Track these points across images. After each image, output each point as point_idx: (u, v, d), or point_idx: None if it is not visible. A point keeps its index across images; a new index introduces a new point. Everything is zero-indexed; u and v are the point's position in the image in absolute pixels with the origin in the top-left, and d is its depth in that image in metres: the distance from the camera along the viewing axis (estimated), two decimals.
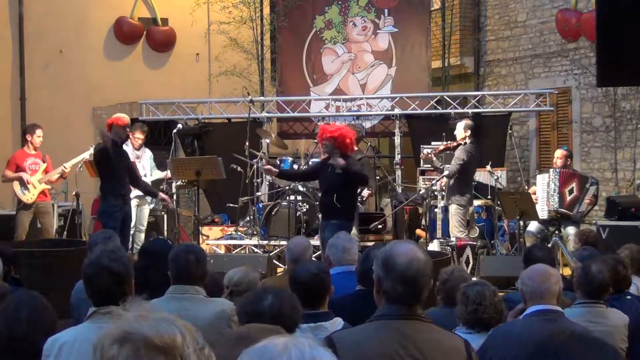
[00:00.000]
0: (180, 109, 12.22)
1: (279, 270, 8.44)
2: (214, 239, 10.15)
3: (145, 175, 9.89)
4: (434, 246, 8.59)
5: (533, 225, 9.03)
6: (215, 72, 13.45)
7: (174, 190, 9.57)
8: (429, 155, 9.30)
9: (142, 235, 9.92)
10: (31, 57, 13.03)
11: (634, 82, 8.81)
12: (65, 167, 9.44)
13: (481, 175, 10.24)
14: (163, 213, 10.34)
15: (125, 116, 8.51)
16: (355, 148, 8.68)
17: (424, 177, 10.69)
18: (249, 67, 13.35)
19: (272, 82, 13.73)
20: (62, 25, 13.14)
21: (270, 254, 8.94)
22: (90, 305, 3.17)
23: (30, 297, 3.06)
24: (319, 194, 8.32)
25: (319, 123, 10.90)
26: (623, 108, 11.59)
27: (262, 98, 12.49)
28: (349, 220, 7.70)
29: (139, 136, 10.03)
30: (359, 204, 9.32)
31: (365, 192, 9.76)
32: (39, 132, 9.55)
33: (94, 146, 8.92)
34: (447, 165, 9.07)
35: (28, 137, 9.61)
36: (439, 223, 9.22)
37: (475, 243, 8.78)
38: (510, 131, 11.06)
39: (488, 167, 9.49)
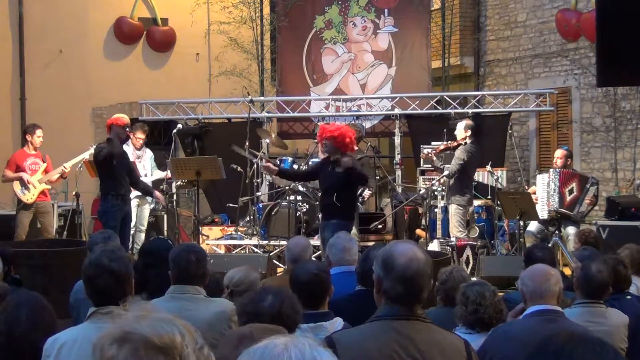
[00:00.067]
0: (180, 109, 12.22)
1: (279, 270, 8.43)
2: (214, 239, 10.14)
3: (145, 175, 9.90)
4: (434, 246, 8.59)
5: (533, 225, 9.03)
6: (215, 72, 13.45)
7: (174, 190, 9.56)
8: (429, 155, 9.29)
9: (143, 235, 9.93)
10: (31, 57, 13.03)
11: (634, 82, 8.82)
12: (65, 167, 9.44)
13: (481, 175, 10.24)
14: (163, 213, 10.34)
15: (124, 116, 8.53)
16: (356, 148, 8.68)
17: (424, 177, 10.70)
18: (249, 67, 13.36)
19: (272, 82, 13.73)
20: (62, 25, 13.14)
21: (270, 254, 8.94)
22: (89, 305, 3.17)
23: (30, 297, 3.06)
24: (319, 194, 8.32)
25: (319, 123, 10.90)
26: (623, 108, 11.59)
27: (262, 98, 12.49)
28: (350, 220, 7.70)
29: (140, 136, 10.04)
30: (359, 204, 9.32)
31: (367, 193, 9.75)
32: (39, 132, 9.55)
33: (94, 146, 8.93)
34: (447, 165, 9.07)
35: (28, 137, 9.61)
36: (439, 223, 9.21)
37: (475, 243, 8.77)
38: (510, 131, 11.06)
39: (488, 167, 9.50)
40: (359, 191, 9.10)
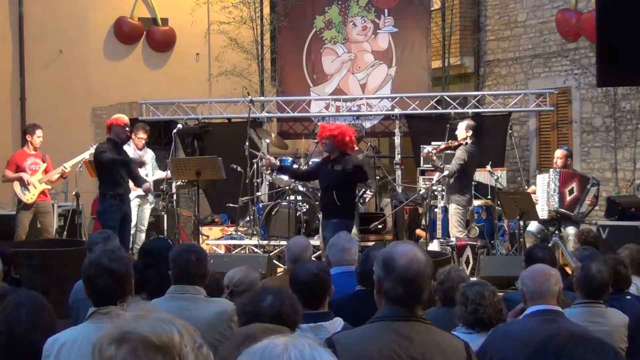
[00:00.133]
0: (180, 109, 12.22)
1: (279, 270, 8.43)
2: (214, 239, 10.15)
3: (147, 175, 9.90)
4: (434, 246, 8.59)
5: (533, 225, 9.03)
6: (215, 72, 13.45)
7: (174, 190, 9.57)
8: (430, 154, 9.29)
9: (143, 235, 9.95)
10: (31, 57, 13.03)
11: (634, 82, 8.81)
12: (65, 167, 9.45)
13: (481, 175, 10.24)
14: (163, 213, 10.34)
15: (124, 116, 8.57)
16: (356, 148, 8.68)
17: (424, 177, 10.70)
18: (249, 67, 13.36)
19: (272, 82, 13.73)
20: (62, 25, 13.14)
21: (270, 254, 8.94)
22: (89, 305, 3.17)
23: (30, 297, 3.06)
24: (319, 194, 8.33)
25: (318, 123, 10.90)
26: (623, 108, 11.59)
27: (262, 98, 12.49)
28: (350, 219, 7.71)
29: (141, 136, 10.05)
30: (359, 204, 9.32)
31: (368, 194, 9.75)
32: (39, 132, 9.55)
33: (94, 146, 8.94)
34: (447, 165, 9.07)
35: (28, 137, 9.61)
36: (439, 223, 9.21)
37: (475, 243, 8.77)
38: (510, 131, 11.06)
39: (488, 167, 9.50)
40: (360, 192, 9.11)
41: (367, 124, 12.22)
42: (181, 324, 1.56)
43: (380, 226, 9.69)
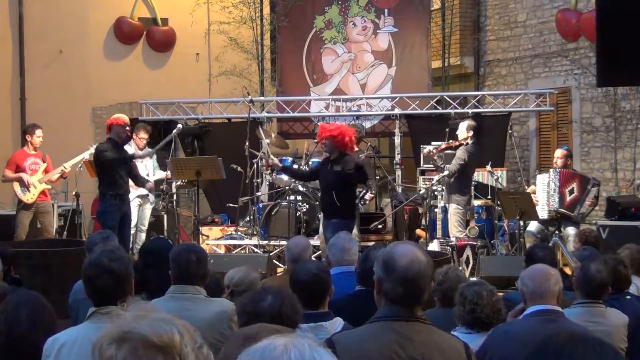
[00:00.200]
0: (180, 109, 12.22)
1: (279, 270, 8.43)
2: (214, 239, 10.15)
3: (147, 175, 9.90)
4: (434, 246, 8.59)
5: (533, 225, 9.02)
6: (215, 72, 13.46)
7: (174, 190, 9.56)
8: (431, 153, 9.29)
9: (144, 235, 9.94)
10: (31, 57, 13.03)
11: (634, 82, 8.82)
12: (65, 167, 9.45)
13: (481, 175, 10.24)
14: (163, 213, 10.34)
15: (124, 116, 8.57)
16: (356, 148, 8.69)
17: (424, 177, 10.70)
18: (249, 67, 13.36)
19: (272, 82, 13.73)
20: (62, 25, 13.14)
21: (270, 254, 8.94)
22: (89, 305, 3.17)
23: (30, 297, 3.06)
24: (319, 194, 8.33)
25: (318, 123, 10.90)
26: (623, 108, 11.59)
27: (262, 98, 12.49)
28: (350, 219, 7.71)
29: (143, 136, 10.05)
30: (359, 204, 9.31)
31: (368, 196, 9.75)
32: (38, 132, 9.55)
33: (94, 146, 8.94)
34: (447, 165, 9.07)
35: (28, 137, 9.61)
36: (439, 223, 9.21)
37: (475, 243, 8.77)
38: (510, 131, 11.06)
39: (488, 167, 9.50)
40: (361, 194, 9.11)
41: (367, 124, 12.22)
42: (181, 324, 1.57)
43: (380, 226, 9.68)
